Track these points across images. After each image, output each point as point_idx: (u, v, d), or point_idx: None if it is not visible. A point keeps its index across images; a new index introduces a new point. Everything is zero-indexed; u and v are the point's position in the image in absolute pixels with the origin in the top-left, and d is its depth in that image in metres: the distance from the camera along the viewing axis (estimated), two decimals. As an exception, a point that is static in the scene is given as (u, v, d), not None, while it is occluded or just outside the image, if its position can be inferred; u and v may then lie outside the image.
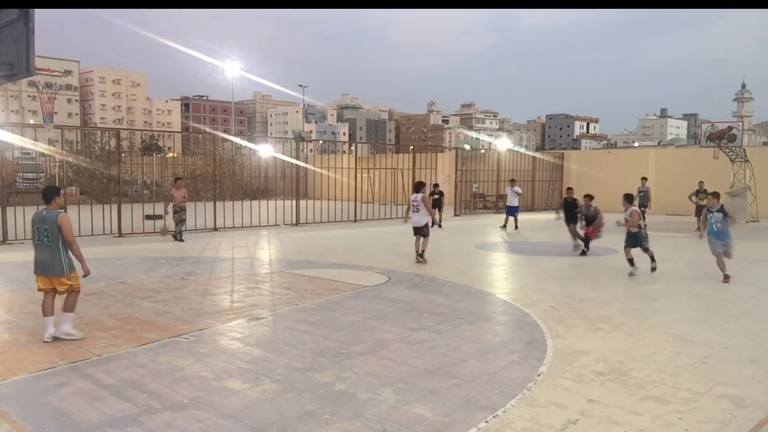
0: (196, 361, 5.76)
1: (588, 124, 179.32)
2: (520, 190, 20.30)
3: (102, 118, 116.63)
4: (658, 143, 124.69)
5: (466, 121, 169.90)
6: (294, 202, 21.78)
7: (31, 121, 69.59)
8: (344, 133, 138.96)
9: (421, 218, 12.01)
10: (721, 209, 10.02)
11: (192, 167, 34.87)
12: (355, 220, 22.69)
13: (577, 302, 8.67)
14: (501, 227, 19.51)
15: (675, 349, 6.25)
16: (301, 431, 4.24)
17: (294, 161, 22.50)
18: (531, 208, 27.96)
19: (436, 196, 20.98)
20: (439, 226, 20.19)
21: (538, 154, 32.21)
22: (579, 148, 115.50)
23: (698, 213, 18.89)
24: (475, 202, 29.05)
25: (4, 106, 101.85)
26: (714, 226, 9.96)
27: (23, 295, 8.73)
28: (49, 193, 6.58)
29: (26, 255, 9.52)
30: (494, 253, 14.40)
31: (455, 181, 27.15)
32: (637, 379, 5.33)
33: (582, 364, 5.75)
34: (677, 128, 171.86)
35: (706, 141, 22.28)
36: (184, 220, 16.13)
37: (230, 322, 7.34)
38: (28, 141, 18.16)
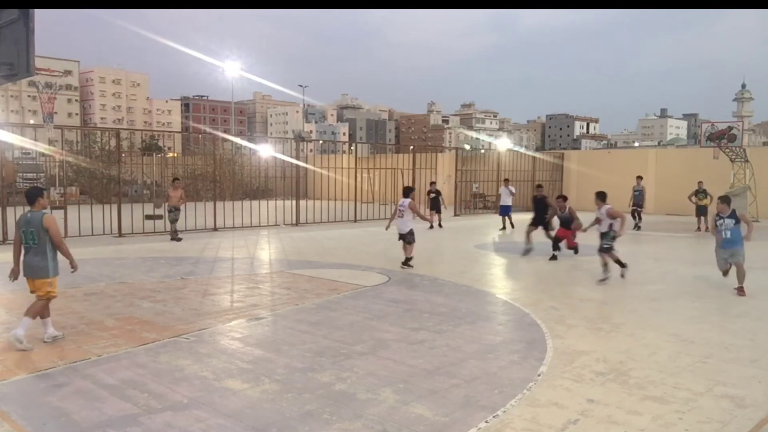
0: (196, 361, 5.76)
1: (588, 124, 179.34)
2: (514, 190, 20.27)
3: (102, 118, 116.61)
4: (658, 143, 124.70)
5: (466, 121, 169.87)
6: (294, 202, 21.79)
7: (31, 121, 69.52)
8: (344, 133, 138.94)
9: (405, 225, 11.53)
10: (733, 214, 9.15)
11: (192, 167, 34.91)
12: (355, 220, 22.69)
13: (577, 302, 8.67)
14: (500, 230, 19.42)
15: (675, 349, 6.25)
16: (301, 431, 4.24)
17: (294, 161, 22.51)
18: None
19: (433, 195, 20.80)
20: (440, 225, 20.22)
21: (538, 154, 32.20)
22: (579, 148, 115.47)
23: (698, 213, 18.94)
24: (475, 202, 29.06)
25: (4, 106, 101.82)
26: (724, 233, 9.12)
27: (23, 295, 8.69)
28: (32, 195, 6.39)
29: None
30: (494, 253, 14.40)
31: (455, 181, 27.15)
32: (637, 379, 5.33)
33: (582, 364, 5.75)
34: (677, 128, 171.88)
35: (706, 141, 22.27)
36: (177, 220, 16.25)
37: (230, 322, 7.34)
38: (28, 141, 18.16)
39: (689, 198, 19.08)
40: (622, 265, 10.18)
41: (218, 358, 5.87)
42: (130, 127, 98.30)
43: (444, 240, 16.57)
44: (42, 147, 21.76)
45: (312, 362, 5.76)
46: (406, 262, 11.58)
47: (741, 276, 9.07)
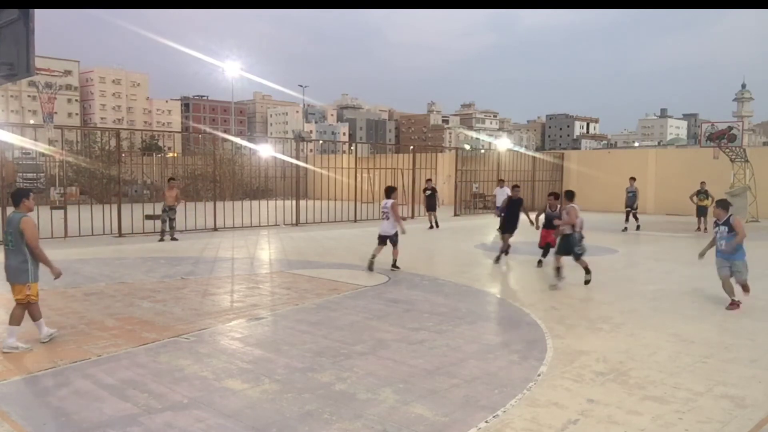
0: (196, 361, 5.76)
1: (588, 124, 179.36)
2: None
3: (102, 118, 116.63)
4: (658, 143, 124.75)
5: (466, 121, 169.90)
6: (294, 202, 21.79)
7: (31, 121, 69.52)
8: (344, 133, 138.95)
9: (389, 227, 11.40)
10: (727, 222, 8.20)
11: (192, 167, 34.93)
12: (355, 220, 22.69)
13: (577, 302, 8.67)
14: (498, 230, 19.32)
15: (675, 349, 6.25)
16: (301, 431, 4.24)
17: (294, 161, 22.51)
18: (531, 209, 27.89)
19: (428, 192, 20.56)
20: (436, 225, 20.13)
21: (538, 154, 32.21)
22: (579, 148, 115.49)
23: (698, 213, 18.95)
24: (475, 202, 29.07)
25: (4, 106, 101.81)
26: (718, 243, 8.32)
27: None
28: (17, 196, 6.22)
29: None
30: (494, 253, 14.36)
31: (455, 181, 27.16)
32: (637, 379, 5.33)
33: (582, 364, 5.75)
34: (677, 128, 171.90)
35: (706, 141, 22.27)
36: (173, 219, 16.26)
37: (230, 322, 7.34)
38: (28, 141, 18.17)
39: (690, 198, 19.11)
40: (588, 271, 9.83)
41: (218, 358, 5.87)
42: (130, 127, 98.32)
43: (444, 240, 16.56)
44: (42, 147, 21.79)
45: (312, 362, 5.76)
46: (394, 264, 11.51)
47: (744, 290, 8.42)
